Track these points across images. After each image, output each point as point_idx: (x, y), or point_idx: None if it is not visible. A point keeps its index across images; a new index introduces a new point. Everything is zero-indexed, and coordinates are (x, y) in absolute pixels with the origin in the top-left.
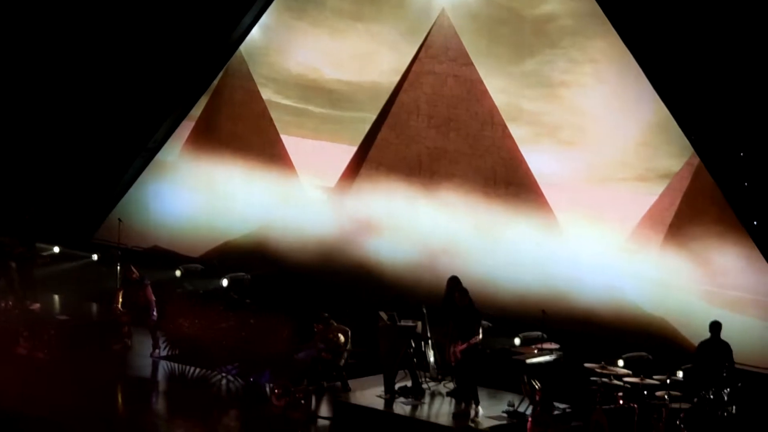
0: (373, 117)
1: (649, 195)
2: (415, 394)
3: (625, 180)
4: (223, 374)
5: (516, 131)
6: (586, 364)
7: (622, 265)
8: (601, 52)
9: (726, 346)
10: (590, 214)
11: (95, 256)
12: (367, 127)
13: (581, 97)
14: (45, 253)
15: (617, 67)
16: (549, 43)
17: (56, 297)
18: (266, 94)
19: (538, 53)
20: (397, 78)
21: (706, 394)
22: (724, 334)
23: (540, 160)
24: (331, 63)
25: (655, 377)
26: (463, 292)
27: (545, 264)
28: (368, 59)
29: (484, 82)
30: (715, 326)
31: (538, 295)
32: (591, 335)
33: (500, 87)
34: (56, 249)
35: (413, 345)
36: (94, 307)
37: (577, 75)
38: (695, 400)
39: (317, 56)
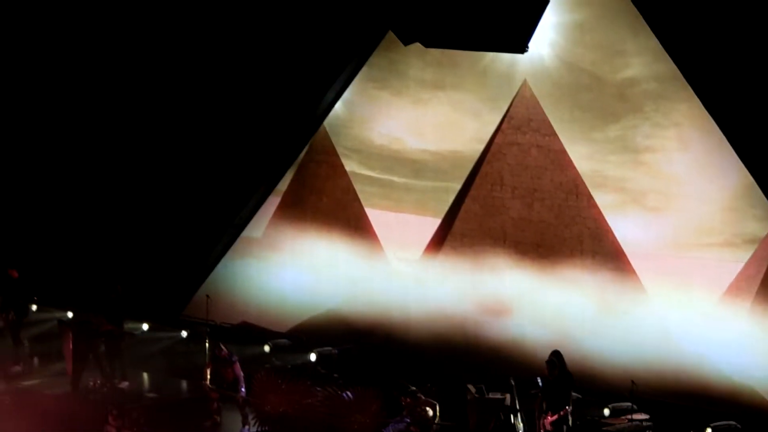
0: (456, 186)
1: (735, 261)
2: None
3: (711, 246)
4: None
5: (601, 198)
6: None
7: (710, 333)
8: (684, 115)
9: None
10: (677, 281)
11: (184, 333)
12: (450, 197)
13: (666, 163)
14: (134, 331)
15: (701, 131)
16: (632, 107)
17: (145, 375)
18: (350, 165)
19: (621, 118)
20: (479, 146)
21: None
22: None
23: (626, 228)
24: (413, 133)
25: None
26: (552, 363)
27: (633, 333)
28: (450, 128)
29: (568, 150)
30: None
31: (626, 365)
32: (680, 405)
33: (584, 154)
34: (145, 326)
35: (502, 418)
36: (184, 384)
37: (661, 140)
38: None
39: (400, 126)
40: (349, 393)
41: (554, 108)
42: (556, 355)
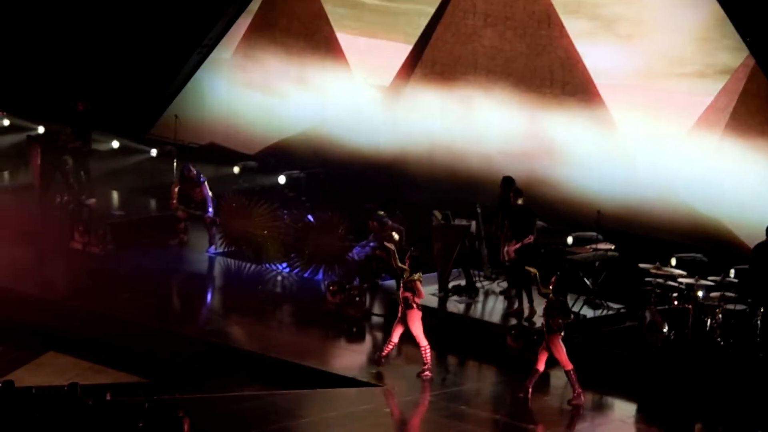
0: (429, 10)
1: (706, 94)
2: (469, 292)
3: (682, 76)
4: (278, 271)
5: (573, 25)
6: (641, 265)
7: (678, 166)
8: None
9: None
10: (646, 113)
11: (154, 152)
12: (422, 22)
13: None
14: (102, 148)
15: None
16: None
17: (113, 192)
18: None
19: None
20: None
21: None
22: None
23: (596, 57)
24: None
25: (709, 278)
26: (518, 192)
27: (601, 164)
28: None
29: None
30: None
31: (593, 195)
32: (645, 236)
33: None
34: (115, 144)
35: (467, 244)
36: (151, 202)
37: None
38: (749, 301)
39: None
40: (315, 216)
41: None
42: (508, 180)
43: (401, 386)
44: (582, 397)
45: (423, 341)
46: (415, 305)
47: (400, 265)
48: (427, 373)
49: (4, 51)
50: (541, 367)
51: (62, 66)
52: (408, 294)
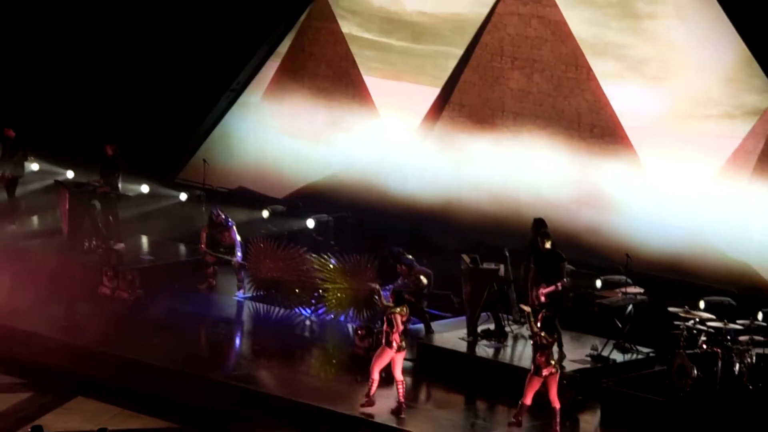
0: (456, 52)
1: (733, 137)
2: (498, 336)
3: (709, 118)
4: (307, 315)
5: (601, 67)
6: (670, 309)
7: (706, 208)
8: None
9: None
10: (674, 155)
11: (183, 196)
12: (449, 64)
13: (666, 30)
14: (131, 193)
15: None
16: None
17: (142, 237)
18: (347, 27)
19: None
20: (479, 9)
21: None
22: None
23: (624, 99)
24: None
25: (738, 322)
26: (546, 235)
27: (629, 207)
28: None
29: (570, 15)
30: None
31: (621, 238)
32: (674, 280)
33: (585, 18)
34: (145, 188)
35: (496, 288)
36: (180, 247)
37: (661, 6)
38: None
39: None
40: (344, 260)
41: None
42: (538, 223)
43: (429, 431)
44: None
45: (375, 374)
46: (394, 342)
47: (386, 303)
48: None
49: (34, 95)
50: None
51: (91, 110)
52: (387, 328)
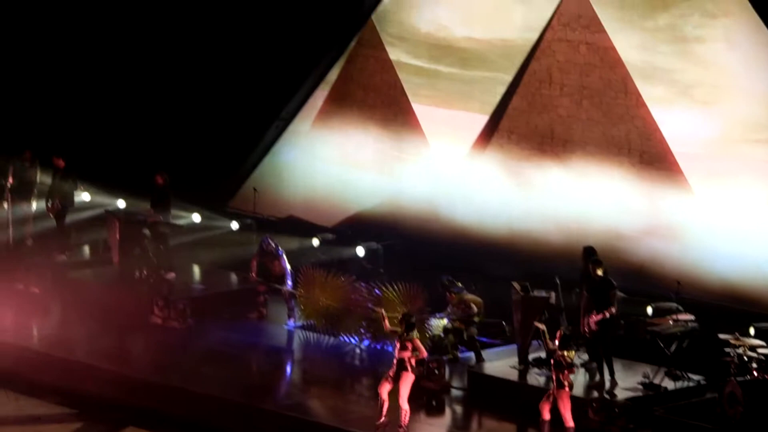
0: (504, 77)
1: None
2: (549, 365)
3: (759, 142)
4: (356, 343)
5: (650, 91)
6: (720, 335)
7: (757, 235)
8: (735, 4)
9: None
10: (724, 181)
11: (235, 225)
12: (498, 89)
13: (715, 54)
14: (183, 222)
15: (751, 22)
16: None
17: (193, 266)
18: (395, 54)
19: (671, 6)
20: (528, 35)
21: None
22: None
23: (673, 125)
24: (460, 20)
25: None
26: (597, 262)
27: (679, 233)
28: (498, 15)
29: (619, 40)
30: None
31: (672, 264)
32: (724, 306)
33: (634, 43)
34: (196, 218)
35: (547, 315)
36: (230, 276)
37: (710, 29)
38: None
39: (446, 12)
40: (393, 288)
41: (604, 4)
42: (588, 251)
43: None
44: None
45: (405, 404)
46: (410, 367)
47: (392, 328)
48: None
49: (84, 124)
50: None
51: (141, 139)
52: (405, 354)
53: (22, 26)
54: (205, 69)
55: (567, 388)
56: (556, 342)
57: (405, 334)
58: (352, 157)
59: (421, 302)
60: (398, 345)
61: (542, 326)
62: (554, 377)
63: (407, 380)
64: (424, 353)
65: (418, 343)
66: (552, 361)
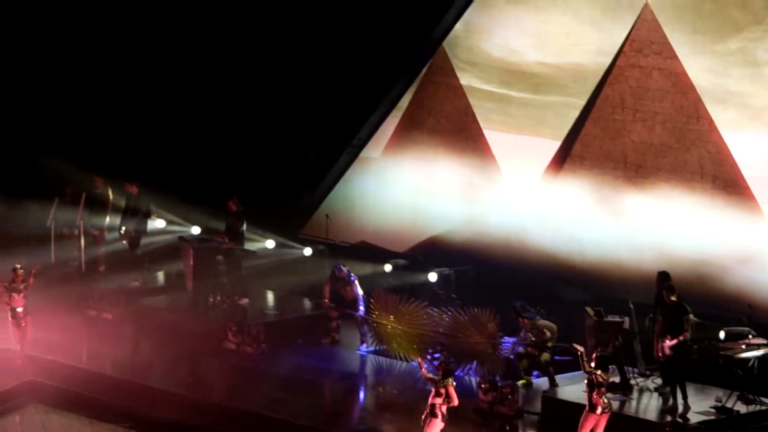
0: (577, 102)
1: None
2: (623, 389)
3: None
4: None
5: (721, 115)
6: None
7: None
8: None
9: None
10: None
11: (308, 251)
12: (570, 113)
13: None
14: (256, 248)
15: None
16: (754, 19)
17: (267, 292)
18: (466, 79)
19: (743, 30)
20: (600, 59)
21: None
22: None
23: (745, 149)
24: (532, 44)
25: None
26: (671, 288)
27: (751, 258)
28: (571, 40)
29: (690, 64)
30: None
31: (744, 289)
32: None
33: (706, 66)
34: (270, 244)
35: (621, 340)
36: (304, 302)
37: None
38: None
39: (518, 37)
40: (466, 314)
41: (676, 25)
42: (663, 275)
43: None
44: None
45: None
46: (440, 414)
47: (429, 376)
48: None
49: (158, 151)
50: None
51: (215, 166)
52: (437, 400)
53: (91, 51)
54: (280, 97)
55: (598, 410)
56: (592, 364)
57: (441, 380)
58: (424, 184)
59: (494, 327)
60: (433, 391)
61: (581, 348)
62: (587, 397)
63: (434, 427)
64: (455, 401)
65: (452, 390)
66: (586, 381)
